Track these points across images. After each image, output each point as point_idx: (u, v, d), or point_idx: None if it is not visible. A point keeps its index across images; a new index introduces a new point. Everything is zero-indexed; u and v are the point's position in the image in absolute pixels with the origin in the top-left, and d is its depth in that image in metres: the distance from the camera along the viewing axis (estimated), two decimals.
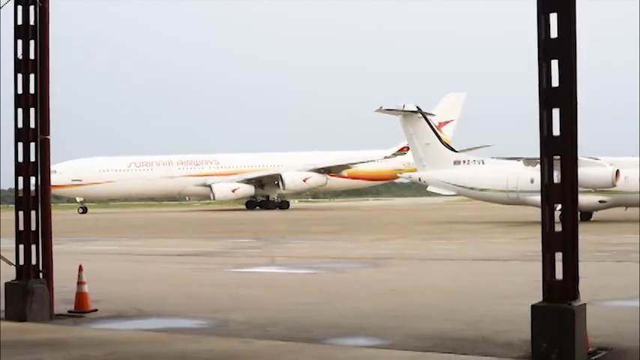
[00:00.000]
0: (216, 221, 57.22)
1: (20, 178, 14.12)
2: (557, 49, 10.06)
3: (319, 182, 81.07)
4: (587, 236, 26.92)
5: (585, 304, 10.17)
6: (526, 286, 16.16)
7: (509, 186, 46.71)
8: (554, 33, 10.07)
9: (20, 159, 14.08)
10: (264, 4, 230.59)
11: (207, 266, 24.48)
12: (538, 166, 10.62)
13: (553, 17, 10.07)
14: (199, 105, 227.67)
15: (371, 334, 12.39)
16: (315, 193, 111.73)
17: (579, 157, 10.34)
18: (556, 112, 10.13)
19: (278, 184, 79.58)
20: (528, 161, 43.70)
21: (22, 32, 13.94)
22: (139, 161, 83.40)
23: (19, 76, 14.01)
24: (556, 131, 10.13)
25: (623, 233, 34.14)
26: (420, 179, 52.69)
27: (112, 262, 26.72)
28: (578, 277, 10.11)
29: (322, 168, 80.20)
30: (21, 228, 14.04)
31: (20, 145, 14.05)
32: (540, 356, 9.87)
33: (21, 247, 14.03)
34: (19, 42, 13.97)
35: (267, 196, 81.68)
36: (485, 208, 56.16)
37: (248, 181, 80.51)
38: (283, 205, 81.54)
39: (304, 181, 79.86)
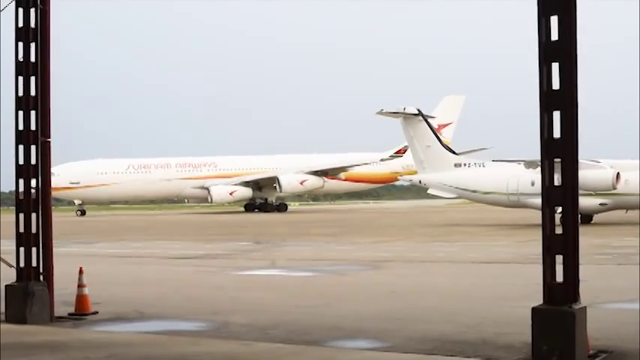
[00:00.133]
0: (216, 224, 57.24)
1: (21, 181, 14.12)
2: (558, 51, 10.06)
3: (316, 185, 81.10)
4: (587, 239, 26.93)
5: (586, 306, 10.17)
6: (527, 288, 16.16)
7: (510, 188, 46.70)
8: (554, 35, 10.08)
9: (21, 161, 14.08)
10: (264, 10, 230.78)
11: (207, 269, 24.48)
12: (539, 168, 10.62)
13: (554, 20, 10.08)
14: (199, 110, 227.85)
15: (371, 336, 12.39)
16: (316, 196, 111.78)
17: (580, 160, 10.34)
18: (557, 115, 10.13)
19: (276, 186, 79.64)
20: (529, 164, 43.71)
21: (22, 35, 13.95)
22: (138, 164, 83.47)
23: (20, 78, 14.02)
24: (557, 134, 10.13)
25: (624, 236, 34.13)
26: (420, 182, 52.72)
27: (112, 264, 26.72)
28: (578, 279, 10.11)
29: (319, 170, 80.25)
30: (21, 230, 14.04)
31: (21, 147, 14.05)
32: (541, 359, 9.87)
33: (21, 249, 14.03)
34: (20, 44, 13.98)
35: (266, 199, 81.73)
36: (486, 211, 56.15)
37: (246, 184, 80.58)
38: (281, 207, 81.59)
39: (301, 183, 79.90)
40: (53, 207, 14.85)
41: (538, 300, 10.21)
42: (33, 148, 14.01)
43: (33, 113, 13.99)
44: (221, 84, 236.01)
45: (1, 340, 11.61)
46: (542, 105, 10.20)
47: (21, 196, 14.12)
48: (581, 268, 10.19)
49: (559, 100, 10.09)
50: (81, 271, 15.06)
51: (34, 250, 13.99)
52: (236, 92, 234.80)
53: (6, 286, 14.06)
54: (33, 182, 14.06)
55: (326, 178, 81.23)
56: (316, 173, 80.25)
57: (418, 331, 12.67)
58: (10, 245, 15.00)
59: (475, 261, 25.13)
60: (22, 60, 13.98)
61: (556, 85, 10.10)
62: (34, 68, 13.98)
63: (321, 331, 12.76)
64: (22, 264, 14.00)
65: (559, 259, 10.11)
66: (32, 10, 13.90)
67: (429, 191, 52.66)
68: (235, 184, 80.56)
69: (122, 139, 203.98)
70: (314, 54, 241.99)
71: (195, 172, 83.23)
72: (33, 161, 14.03)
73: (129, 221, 64.88)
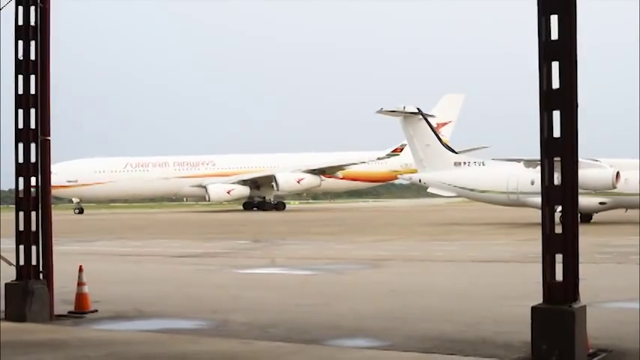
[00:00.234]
0: (215, 222, 57.23)
1: (20, 179, 14.12)
2: (558, 50, 10.06)
3: (313, 183, 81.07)
4: (587, 238, 26.93)
5: (585, 305, 10.17)
6: (526, 287, 16.16)
7: (510, 187, 46.70)
8: (554, 34, 10.08)
9: (20, 160, 14.08)
10: (264, 11, 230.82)
11: (207, 267, 24.48)
12: (538, 167, 10.62)
13: (554, 19, 10.07)
14: (199, 110, 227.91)
15: (371, 335, 12.39)
16: (315, 195, 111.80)
17: (579, 159, 10.34)
18: (556, 114, 10.13)
19: (273, 185, 79.65)
20: (529, 163, 43.71)
21: (22, 33, 13.95)
22: (135, 162, 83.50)
23: (20, 76, 14.02)
24: (556, 133, 10.13)
25: (624, 235, 34.14)
26: (420, 180, 52.71)
27: (112, 262, 26.73)
28: (578, 278, 10.11)
29: (316, 169, 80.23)
30: (21, 228, 14.05)
31: (21, 145, 14.06)
32: (540, 358, 9.87)
33: (21, 247, 14.04)
34: (20, 43, 13.98)
35: (264, 198, 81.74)
36: (486, 210, 56.15)
37: (243, 182, 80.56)
38: (279, 206, 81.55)
39: (298, 182, 79.87)
40: (53, 205, 14.85)
41: (538, 299, 10.21)
42: (33, 146, 14.02)
43: (33, 111, 13.99)
44: (221, 84, 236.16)
45: (0, 339, 11.61)
46: (542, 104, 10.20)
47: (21, 195, 14.12)
48: (580, 267, 10.20)
49: (559, 99, 10.09)
50: (81, 270, 15.07)
51: (33, 248, 14.00)
52: (236, 92, 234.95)
53: (6, 284, 14.07)
54: (33, 180, 14.06)
55: (323, 177, 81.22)
56: (313, 172, 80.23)
57: (418, 329, 12.67)
58: (10, 243, 14.99)
59: (475, 260, 25.14)
60: (22, 58, 13.98)
61: (556, 84, 10.10)
62: (33, 66, 13.98)
63: (321, 330, 12.77)
64: (21, 262, 14.01)
65: (559, 258, 10.11)
66: (32, 9, 13.90)
67: (428, 190, 52.65)
68: (233, 183, 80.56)
69: (122, 138, 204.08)
70: (314, 54, 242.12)
71: (193, 170, 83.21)
72: (33, 159, 14.03)
73: (128, 220, 64.88)
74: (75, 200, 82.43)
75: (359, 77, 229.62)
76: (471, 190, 49.33)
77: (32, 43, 13.95)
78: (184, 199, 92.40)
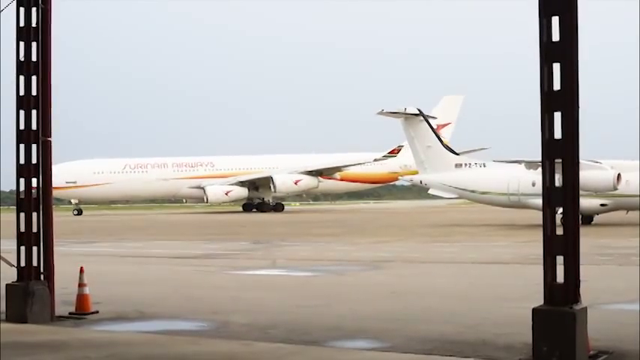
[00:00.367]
0: (215, 223, 57.24)
1: (22, 180, 14.12)
2: (559, 52, 10.06)
3: (311, 185, 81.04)
4: (588, 239, 26.92)
5: (586, 307, 10.17)
6: (527, 289, 16.16)
7: (511, 189, 46.70)
8: (555, 36, 10.08)
9: (22, 161, 14.09)
10: (264, 11, 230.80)
11: (207, 268, 24.48)
12: (539, 169, 10.62)
13: (555, 20, 10.07)
14: (199, 111, 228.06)
15: (371, 336, 12.39)
16: (316, 196, 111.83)
17: (580, 161, 10.34)
18: (557, 116, 10.13)
19: (271, 186, 79.70)
20: (530, 164, 43.71)
21: (24, 34, 13.95)
22: (134, 163, 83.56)
23: (21, 77, 14.02)
24: (557, 134, 10.13)
25: (624, 237, 34.13)
26: (421, 182, 52.71)
27: (112, 264, 26.73)
28: (579, 280, 10.11)
29: (314, 170, 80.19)
30: (22, 229, 14.05)
31: (22, 146, 14.06)
32: (541, 359, 9.87)
33: (22, 248, 14.04)
34: (21, 44, 13.98)
35: (262, 199, 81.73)
36: (487, 211, 56.15)
37: (241, 184, 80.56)
38: (278, 207, 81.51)
39: (295, 183, 79.85)
40: (54, 206, 14.85)
41: (538, 301, 10.21)
42: (34, 147, 14.02)
43: (34, 112, 13.99)
44: (221, 84, 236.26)
45: (1, 340, 11.61)
46: (543, 105, 10.20)
47: (22, 196, 14.13)
48: (581, 268, 10.19)
49: (560, 100, 10.09)
50: (81, 271, 15.07)
51: (34, 249, 13.99)
52: (236, 92, 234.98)
53: (7, 285, 14.06)
54: (34, 181, 14.06)
55: (321, 178, 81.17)
56: (311, 173, 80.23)
57: (418, 331, 12.67)
58: (10, 244, 14.99)
59: (475, 261, 25.13)
60: (23, 59, 13.98)
61: (557, 85, 10.10)
62: (35, 68, 13.98)
63: (321, 331, 12.76)
64: (22, 263, 14.01)
65: (560, 259, 10.11)
66: (33, 10, 13.90)
67: (429, 191, 52.65)
68: (231, 184, 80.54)
69: (123, 138, 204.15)
70: (314, 54, 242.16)
71: (192, 171, 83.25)
72: (34, 160, 14.03)
73: (129, 221, 64.90)
74: (74, 201, 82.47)
75: (359, 77, 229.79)
76: (472, 191, 49.33)
77: (33, 45, 13.95)
78: (184, 200, 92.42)
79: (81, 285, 14.90)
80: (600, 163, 43.55)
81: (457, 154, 51.94)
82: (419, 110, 51.29)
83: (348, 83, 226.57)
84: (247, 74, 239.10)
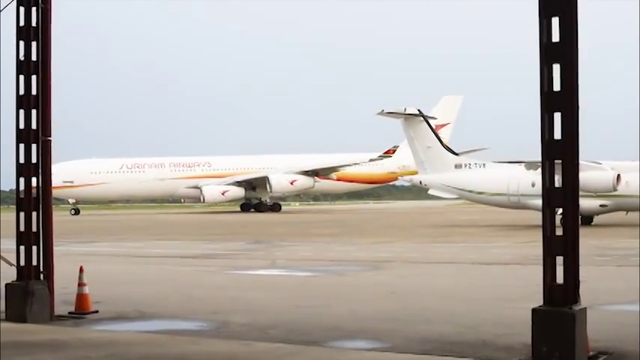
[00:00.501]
0: (215, 223, 57.25)
1: (21, 179, 14.13)
2: (559, 53, 10.06)
3: (306, 185, 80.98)
4: (587, 240, 26.92)
5: (586, 308, 10.17)
6: (527, 289, 16.16)
7: (511, 190, 46.70)
8: (555, 37, 10.08)
9: (22, 160, 14.09)
10: (264, 11, 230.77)
11: (207, 268, 24.48)
12: (539, 169, 10.63)
13: (555, 21, 10.07)
14: (199, 111, 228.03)
15: (371, 336, 12.39)
16: (316, 196, 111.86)
17: (580, 161, 10.35)
18: (557, 116, 10.13)
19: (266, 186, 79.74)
20: (530, 165, 43.71)
21: (24, 34, 13.96)
22: (131, 163, 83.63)
23: (21, 77, 14.03)
24: (557, 135, 10.13)
25: (624, 237, 34.13)
26: (421, 182, 52.70)
27: (112, 263, 26.73)
28: (578, 281, 10.11)
29: (309, 171, 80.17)
30: (22, 229, 14.05)
31: (22, 146, 14.06)
32: None
33: (22, 248, 14.04)
34: (21, 43, 13.99)
35: (260, 199, 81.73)
36: (487, 212, 56.15)
37: (238, 184, 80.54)
38: (275, 207, 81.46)
39: (291, 183, 79.80)
40: (53, 206, 14.85)
41: (538, 301, 10.21)
42: (34, 146, 14.02)
43: (34, 112, 14.00)
44: (222, 84, 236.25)
45: (1, 339, 11.61)
46: (543, 106, 10.20)
47: (21, 195, 14.13)
48: (581, 269, 10.19)
49: (560, 101, 10.10)
50: (81, 270, 15.07)
51: (34, 248, 14.00)
52: (236, 92, 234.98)
53: (6, 284, 14.07)
54: (34, 181, 14.07)
55: (318, 178, 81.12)
56: (307, 173, 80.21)
57: (418, 331, 12.67)
58: (10, 244, 15.00)
59: (475, 262, 25.13)
60: (23, 59, 13.98)
61: (557, 86, 10.10)
62: (35, 67, 13.99)
63: (321, 331, 12.77)
64: (22, 263, 14.01)
65: (559, 260, 10.11)
66: (34, 9, 13.91)
67: (429, 192, 52.64)
68: (228, 184, 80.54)
69: (122, 138, 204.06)
70: (314, 54, 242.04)
71: (189, 171, 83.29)
72: (34, 160, 14.04)
73: (128, 220, 64.91)
74: (71, 201, 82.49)
75: (359, 77, 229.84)
76: (472, 192, 49.33)
77: (33, 44, 13.96)
78: (182, 200, 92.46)
79: (81, 284, 14.90)
80: (600, 163, 43.56)
81: (457, 155, 51.95)
82: (419, 111, 51.30)
83: (348, 83, 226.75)
84: (247, 74, 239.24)
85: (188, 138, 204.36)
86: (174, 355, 11.11)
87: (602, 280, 18.74)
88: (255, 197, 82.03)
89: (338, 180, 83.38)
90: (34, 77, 14.00)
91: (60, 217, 63.68)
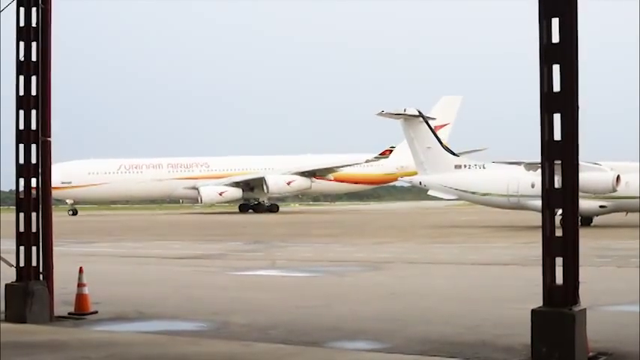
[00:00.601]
0: (214, 224, 57.26)
1: (21, 180, 14.13)
2: (559, 53, 10.07)
3: (303, 185, 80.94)
4: (587, 241, 26.91)
5: (585, 308, 10.17)
6: (526, 290, 16.15)
7: (510, 190, 46.71)
8: (555, 38, 10.08)
9: (21, 160, 14.09)
10: (264, 11, 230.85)
11: (207, 269, 24.48)
12: (539, 170, 10.63)
13: (555, 22, 10.08)
14: (200, 111, 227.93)
15: (371, 337, 12.39)
16: (316, 197, 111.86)
17: (580, 162, 10.35)
18: (557, 117, 10.14)
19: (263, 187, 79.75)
20: (529, 166, 43.71)
21: (24, 34, 13.96)
22: (129, 164, 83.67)
23: (21, 77, 14.03)
24: (557, 136, 10.14)
25: (624, 238, 34.13)
26: (420, 183, 52.71)
27: (112, 264, 26.73)
28: (578, 281, 10.12)
29: (306, 171, 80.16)
30: (21, 229, 14.05)
31: (21, 146, 14.07)
32: None
33: (21, 248, 14.04)
34: (21, 44, 13.99)
35: (257, 199, 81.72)
36: (486, 213, 56.15)
37: (236, 184, 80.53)
38: (273, 208, 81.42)
39: (288, 184, 79.78)
40: (53, 207, 14.85)
41: (538, 302, 10.21)
42: (33, 147, 14.02)
43: (34, 112, 14.00)
44: (222, 84, 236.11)
45: (0, 340, 11.61)
46: (543, 107, 10.20)
47: (21, 196, 14.13)
48: (580, 270, 10.19)
49: (560, 102, 10.10)
50: (81, 271, 15.07)
51: (34, 249, 14.00)
52: (239, 94, 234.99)
53: (6, 285, 14.07)
54: (33, 181, 14.07)
55: (315, 179, 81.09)
56: (304, 174, 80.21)
57: (418, 332, 12.67)
58: (10, 244, 14.99)
59: (475, 262, 25.13)
60: (23, 59, 13.99)
61: (557, 87, 10.11)
62: (35, 68, 13.99)
63: (321, 332, 12.77)
64: (22, 263, 14.01)
65: (559, 261, 10.11)
66: (34, 10, 13.91)
67: (429, 193, 52.66)
68: (225, 185, 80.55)
69: (124, 139, 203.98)
70: (313, 54, 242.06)
71: (187, 172, 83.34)
72: (33, 160, 14.04)
73: (128, 221, 64.91)
74: (69, 201, 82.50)
75: (359, 77, 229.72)
76: (472, 192, 49.34)
77: (33, 44, 13.96)
78: (180, 200, 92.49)
79: (80, 285, 14.90)
80: (600, 164, 43.56)
81: (457, 156, 51.97)
82: (419, 111, 51.31)
83: (348, 83, 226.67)
84: (247, 74, 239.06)
85: (189, 138, 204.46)
86: (174, 356, 11.11)
87: (601, 280, 18.74)
88: (254, 198, 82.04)
89: (335, 181, 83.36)
90: (33, 78, 14.00)
91: (58, 217, 63.65)
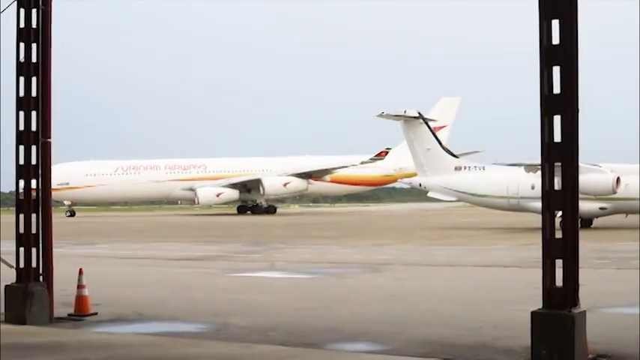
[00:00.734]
0: (214, 225, 57.25)
1: (21, 181, 14.13)
2: (559, 55, 10.07)
3: (300, 187, 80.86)
4: (587, 243, 26.92)
5: (585, 310, 10.17)
6: (526, 292, 16.14)
7: (510, 192, 46.70)
8: (555, 39, 10.09)
9: (21, 162, 14.10)
10: (264, 12, 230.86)
11: (207, 270, 24.48)
12: (539, 172, 10.63)
13: (555, 23, 10.08)
14: (200, 110, 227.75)
15: (371, 339, 12.39)
16: (316, 198, 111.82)
17: (580, 164, 10.35)
18: (557, 119, 10.14)
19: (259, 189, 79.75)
20: (529, 167, 43.69)
21: (24, 35, 13.97)
22: (126, 165, 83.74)
23: (21, 79, 14.03)
24: (557, 138, 10.14)
25: (624, 240, 34.12)
26: (420, 185, 52.68)
27: (112, 265, 26.72)
28: (578, 283, 10.12)
29: (303, 173, 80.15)
30: (21, 231, 14.05)
31: (21, 147, 14.07)
32: None
33: (21, 249, 14.04)
34: (22, 45, 13.99)
35: (255, 201, 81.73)
36: (486, 214, 56.13)
37: (233, 186, 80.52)
38: (270, 209, 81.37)
39: (284, 185, 79.74)
40: (53, 208, 14.86)
41: (537, 304, 10.21)
42: (33, 148, 14.03)
43: (34, 114, 14.00)
44: (224, 84, 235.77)
45: (0, 341, 11.60)
46: (543, 109, 10.21)
47: (21, 197, 14.13)
48: (580, 272, 10.19)
49: (560, 104, 10.10)
50: (81, 272, 15.07)
51: (34, 250, 14.00)
52: (239, 94, 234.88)
53: (6, 286, 14.06)
54: (33, 183, 14.07)
55: (312, 180, 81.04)
56: (300, 176, 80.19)
57: (418, 334, 12.67)
58: (10, 246, 14.99)
59: (475, 264, 25.13)
60: (23, 60, 13.99)
61: (557, 89, 10.11)
62: (35, 69, 13.99)
63: (321, 334, 12.77)
64: (22, 264, 14.01)
65: (559, 263, 10.12)
66: (34, 11, 13.92)
67: (429, 194, 52.64)
68: (222, 186, 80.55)
69: (125, 139, 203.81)
70: (312, 54, 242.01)
71: (185, 173, 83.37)
72: (33, 162, 14.04)
73: (127, 222, 64.89)
74: (66, 203, 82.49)
75: (359, 77, 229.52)
76: (472, 194, 49.33)
77: (34, 46, 13.97)
78: (178, 202, 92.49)
79: (80, 286, 14.90)
80: (600, 166, 43.56)
81: (456, 157, 51.96)
82: (419, 113, 51.31)
83: (347, 83, 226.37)
84: (247, 74, 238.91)
85: (189, 138, 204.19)
86: (174, 357, 11.11)
87: (601, 282, 18.73)
88: (251, 199, 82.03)
89: (333, 182, 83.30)
90: (34, 79, 14.00)
91: (56, 219, 63.52)
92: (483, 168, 49.84)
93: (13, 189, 14.57)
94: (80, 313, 14.64)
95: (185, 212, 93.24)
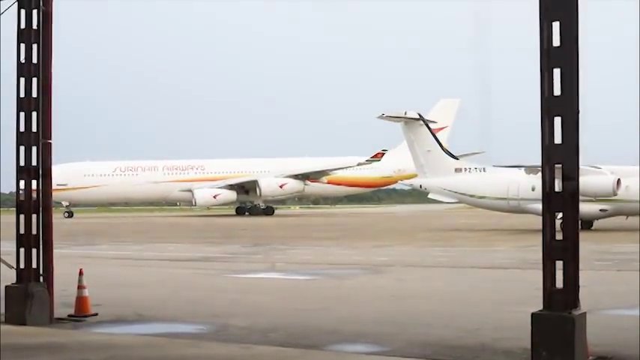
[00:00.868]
0: (214, 226, 57.26)
1: (21, 182, 14.13)
2: (560, 57, 10.07)
3: (296, 188, 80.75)
4: (587, 245, 26.92)
5: (585, 312, 10.17)
6: (526, 293, 16.15)
7: (511, 194, 46.70)
8: (556, 42, 10.09)
9: (22, 162, 14.10)
10: (263, 12, 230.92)
11: (207, 271, 24.48)
12: (539, 174, 10.63)
13: (555, 26, 10.09)
14: (200, 110, 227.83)
15: (371, 340, 12.39)
16: (316, 199, 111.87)
17: (580, 166, 10.35)
18: (558, 121, 10.14)
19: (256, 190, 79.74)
20: (530, 169, 43.71)
21: (24, 36, 13.97)
22: (124, 166, 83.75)
23: (22, 79, 14.03)
24: (558, 139, 10.14)
25: (624, 242, 34.11)
26: (421, 186, 52.68)
27: (112, 266, 26.72)
28: (578, 285, 10.11)
29: (300, 174, 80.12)
30: (22, 231, 14.05)
31: (22, 148, 14.07)
32: None
33: (21, 250, 14.04)
34: (22, 46, 14.00)
35: (253, 202, 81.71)
36: (486, 216, 56.14)
37: (230, 187, 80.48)
38: (268, 211, 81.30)
39: (281, 187, 79.68)
40: (53, 208, 14.86)
41: (538, 305, 10.21)
42: (34, 149, 14.03)
43: (34, 114, 14.00)
44: (225, 86, 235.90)
45: (0, 341, 11.61)
46: (544, 110, 10.21)
47: (21, 198, 14.13)
48: (581, 273, 10.19)
49: (560, 106, 10.11)
50: (81, 273, 15.07)
51: (34, 251, 14.00)
52: (240, 94, 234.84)
53: (6, 287, 14.06)
54: (34, 184, 14.07)
55: (309, 182, 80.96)
56: (297, 177, 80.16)
57: (418, 335, 12.67)
58: (10, 246, 15.00)
59: (475, 266, 25.13)
60: (23, 61, 13.99)
61: (557, 91, 10.11)
62: (35, 69, 13.99)
63: (321, 335, 12.77)
64: (22, 265, 14.01)
65: (559, 264, 10.11)
66: (34, 12, 13.92)
67: (429, 196, 52.63)
68: (220, 188, 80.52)
69: (124, 139, 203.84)
70: (314, 54, 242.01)
71: (183, 174, 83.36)
72: (34, 162, 14.04)
73: (127, 223, 64.90)
74: (65, 203, 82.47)
75: (360, 78, 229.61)
76: (472, 196, 49.33)
77: (34, 47, 13.97)
78: (177, 203, 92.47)
79: (80, 287, 14.90)
80: (600, 168, 43.56)
81: (457, 159, 51.96)
82: (419, 114, 51.33)
83: (347, 83, 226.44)
84: (247, 74, 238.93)
85: (188, 138, 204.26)
86: (174, 358, 11.12)
87: (602, 284, 18.74)
88: (248, 201, 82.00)
89: (331, 183, 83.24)
90: (34, 80, 14.00)
91: (55, 219, 63.47)
92: (484, 169, 49.83)
93: (14, 190, 14.57)
94: (80, 313, 14.64)
95: (184, 213, 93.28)
